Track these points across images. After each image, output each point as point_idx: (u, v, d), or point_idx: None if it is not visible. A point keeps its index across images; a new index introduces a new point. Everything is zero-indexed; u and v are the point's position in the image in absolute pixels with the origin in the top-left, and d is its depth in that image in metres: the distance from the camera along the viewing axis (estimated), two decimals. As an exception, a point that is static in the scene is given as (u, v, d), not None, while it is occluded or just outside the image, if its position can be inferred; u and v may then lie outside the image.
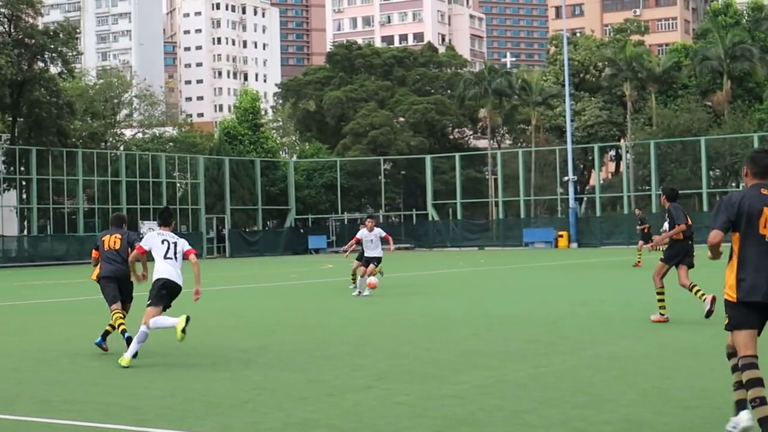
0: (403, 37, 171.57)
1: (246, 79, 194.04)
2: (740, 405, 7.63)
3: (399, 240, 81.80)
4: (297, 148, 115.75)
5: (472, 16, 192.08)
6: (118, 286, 14.78)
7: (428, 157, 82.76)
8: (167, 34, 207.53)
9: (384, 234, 26.08)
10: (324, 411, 9.30)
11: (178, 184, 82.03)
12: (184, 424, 8.73)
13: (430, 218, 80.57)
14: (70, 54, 76.70)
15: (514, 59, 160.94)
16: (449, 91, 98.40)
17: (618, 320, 17.32)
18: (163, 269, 13.46)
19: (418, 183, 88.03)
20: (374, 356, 13.12)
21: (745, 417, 7.54)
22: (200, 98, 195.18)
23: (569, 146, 73.75)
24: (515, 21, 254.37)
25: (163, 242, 13.68)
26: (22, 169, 71.39)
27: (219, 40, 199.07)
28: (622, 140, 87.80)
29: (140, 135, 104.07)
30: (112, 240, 15.18)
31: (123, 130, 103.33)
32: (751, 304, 7.52)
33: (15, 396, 10.46)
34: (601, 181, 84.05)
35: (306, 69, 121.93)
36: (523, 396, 9.90)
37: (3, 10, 72.54)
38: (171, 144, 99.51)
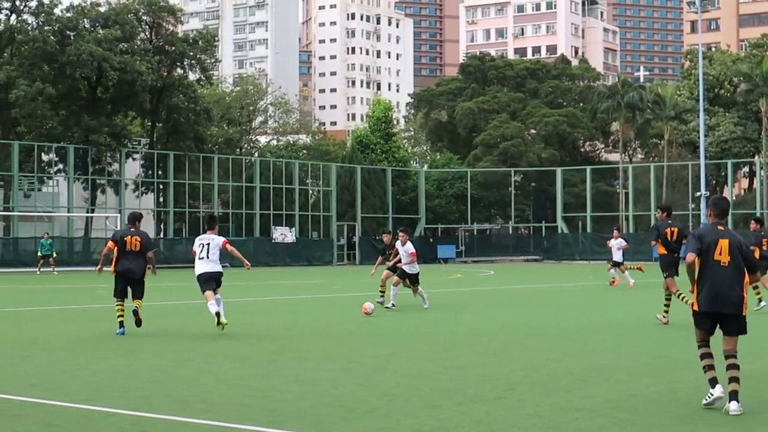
0: (536, 50, 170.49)
1: (379, 88, 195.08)
2: (712, 382, 9.84)
3: (527, 252, 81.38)
4: (428, 157, 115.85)
5: (606, 30, 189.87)
6: (129, 285, 17.96)
7: (559, 170, 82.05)
8: (303, 43, 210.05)
9: (412, 251, 23.75)
10: (456, 419, 9.26)
11: (311, 191, 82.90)
12: (317, 427, 8.78)
13: (559, 231, 79.82)
14: (209, 61, 78.20)
15: (647, 73, 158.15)
16: (581, 104, 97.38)
17: (754, 337, 16.84)
18: (198, 267, 18.22)
19: (548, 195, 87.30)
20: (505, 367, 13.03)
21: (719, 390, 9.76)
22: (333, 107, 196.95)
23: (702, 161, 72.19)
24: (649, 35, 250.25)
25: (199, 245, 18.33)
26: (160, 173, 73.02)
27: (353, 49, 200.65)
28: (756, 156, 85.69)
29: (274, 142, 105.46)
30: (133, 242, 18.02)
31: (258, 137, 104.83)
32: (707, 312, 9.91)
33: (152, 395, 10.67)
34: (734, 198, 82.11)
35: (439, 80, 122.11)
36: (655, 411, 9.72)
37: (145, 18, 74.41)
38: (304, 151, 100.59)
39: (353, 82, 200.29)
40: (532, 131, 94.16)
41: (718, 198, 10.58)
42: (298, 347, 15.58)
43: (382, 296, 24.42)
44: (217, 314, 17.21)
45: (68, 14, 69.14)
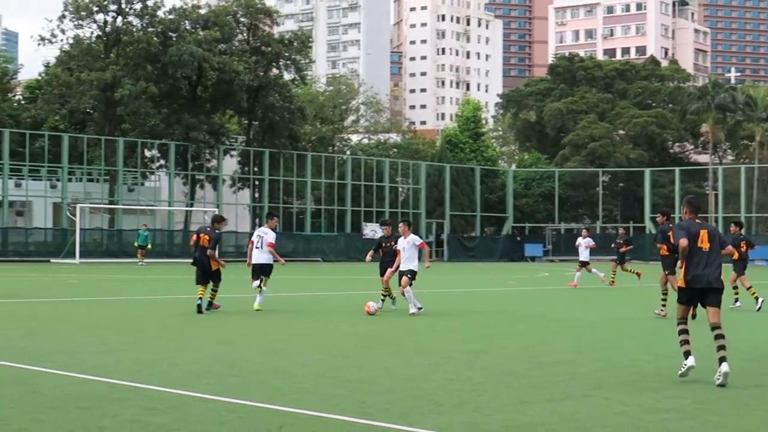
0: (626, 50, 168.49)
1: (468, 88, 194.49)
2: (686, 354, 11.62)
3: (615, 251, 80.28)
4: (516, 157, 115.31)
5: (696, 31, 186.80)
6: (202, 272, 20.63)
7: (647, 171, 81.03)
8: (394, 44, 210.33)
9: (419, 241, 21.11)
10: (544, 416, 9.18)
11: (400, 189, 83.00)
12: (406, 420, 8.78)
13: (647, 231, 78.82)
14: (303, 62, 78.77)
15: (739, 74, 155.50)
16: (671, 105, 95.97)
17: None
18: (254, 256, 21.44)
19: (636, 196, 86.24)
20: (593, 365, 12.89)
21: (691, 360, 11.54)
22: (423, 106, 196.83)
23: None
24: (741, 35, 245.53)
25: (257, 236, 21.56)
26: (256, 169, 73.73)
27: (443, 50, 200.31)
28: None
29: (366, 140, 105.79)
30: (204, 238, 20.79)
31: (350, 135, 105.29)
32: (693, 290, 11.74)
33: (249, 383, 10.78)
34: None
35: (528, 80, 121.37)
36: (744, 414, 9.54)
37: (243, 20, 75.19)
38: (394, 150, 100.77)
39: (443, 83, 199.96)
40: (621, 132, 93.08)
41: (692, 197, 12.82)
42: (388, 342, 15.61)
43: (383, 299, 21.73)
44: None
45: (170, 16, 70.16)
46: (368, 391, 10.39)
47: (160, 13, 69.62)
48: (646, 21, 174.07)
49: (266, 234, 21.49)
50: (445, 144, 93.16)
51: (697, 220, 12.05)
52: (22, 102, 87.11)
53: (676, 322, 11.99)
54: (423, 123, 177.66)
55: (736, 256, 21.82)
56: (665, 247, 20.13)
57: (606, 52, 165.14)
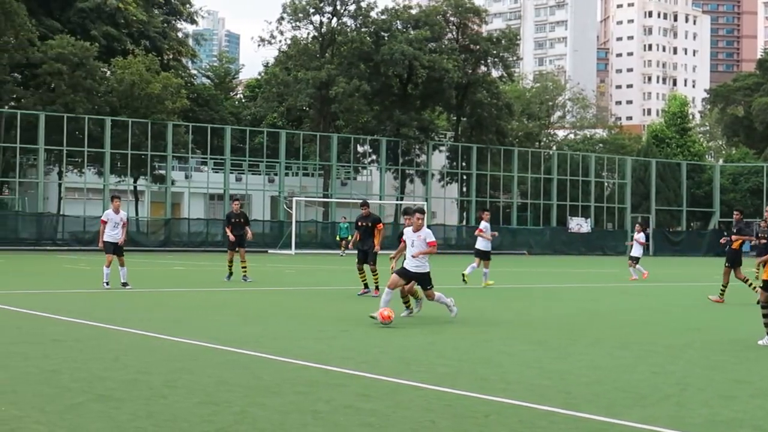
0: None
1: (675, 84, 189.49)
2: None
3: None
4: (723, 152, 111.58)
5: None
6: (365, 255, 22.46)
7: None
8: (600, 41, 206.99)
9: (431, 239, 16.10)
10: (749, 411, 8.86)
11: (606, 183, 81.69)
12: (611, 412, 8.64)
13: None
14: (511, 59, 78.52)
15: None
16: None
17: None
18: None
19: None
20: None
21: None
22: (629, 102, 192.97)
23: None
24: None
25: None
26: (464, 164, 73.98)
27: (650, 46, 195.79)
28: None
29: (571, 136, 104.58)
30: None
31: (556, 131, 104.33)
32: None
33: (456, 372, 10.83)
34: None
35: (735, 75, 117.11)
36: None
37: (452, 19, 75.50)
38: (600, 145, 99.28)
39: (649, 78, 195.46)
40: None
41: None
42: (592, 334, 15.40)
43: (408, 309, 17.48)
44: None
45: (383, 17, 71.17)
46: (572, 382, 10.28)
47: (373, 14, 70.75)
48: None
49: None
50: (651, 139, 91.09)
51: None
52: (243, 100, 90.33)
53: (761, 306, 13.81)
54: (629, 119, 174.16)
55: (736, 245, 22.67)
56: (739, 242, 22.45)
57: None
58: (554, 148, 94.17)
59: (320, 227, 66.07)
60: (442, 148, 76.51)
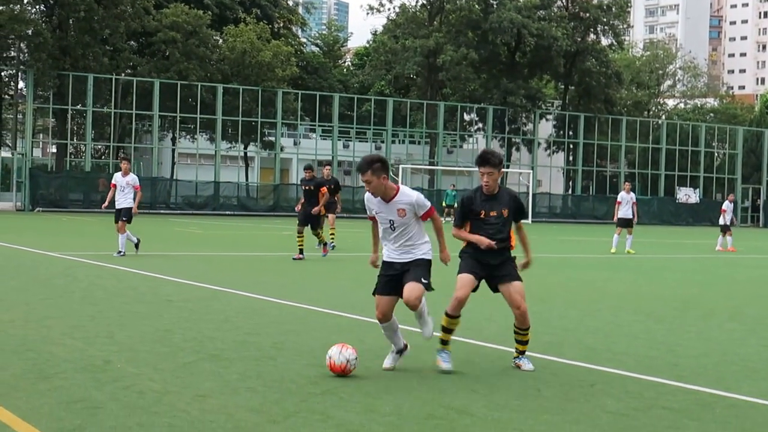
0: None
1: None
2: None
3: None
4: None
5: None
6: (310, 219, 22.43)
7: None
8: (713, 9, 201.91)
9: (427, 207, 8.95)
10: None
11: (716, 154, 79.96)
12: (720, 385, 8.46)
13: None
14: (621, 27, 77.21)
15: None
16: None
17: None
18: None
19: None
20: None
21: None
22: (742, 71, 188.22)
23: None
24: None
25: None
26: (570, 133, 73.15)
27: (765, 14, 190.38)
28: None
29: (681, 105, 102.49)
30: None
31: (665, 100, 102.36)
32: None
33: (562, 341, 10.73)
34: None
35: None
36: None
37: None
38: (711, 115, 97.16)
39: (764, 47, 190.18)
40: None
41: None
42: (702, 306, 15.11)
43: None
44: None
45: (492, -16, 70.49)
46: (681, 354, 10.09)
47: (481, -18, 70.12)
48: None
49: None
50: (764, 109, 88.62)
51: None
52: (351, 68, 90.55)
53: None
54: (741, 88, 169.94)
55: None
56: None
57: None
58: (663, 117, 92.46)
59: (426, 194, 65.96)
60: (549, 116, 75.75)
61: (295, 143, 68.79)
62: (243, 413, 6.73)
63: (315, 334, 10.46)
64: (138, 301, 13.19)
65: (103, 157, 66.22)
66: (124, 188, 21.34)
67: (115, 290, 14.38)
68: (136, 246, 21.61)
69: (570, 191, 73.10)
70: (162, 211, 55.24)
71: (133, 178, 21.52)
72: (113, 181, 21.55)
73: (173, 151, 65.40)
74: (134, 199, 21.49)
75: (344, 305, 13.19)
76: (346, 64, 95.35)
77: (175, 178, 61.58)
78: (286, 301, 13.44)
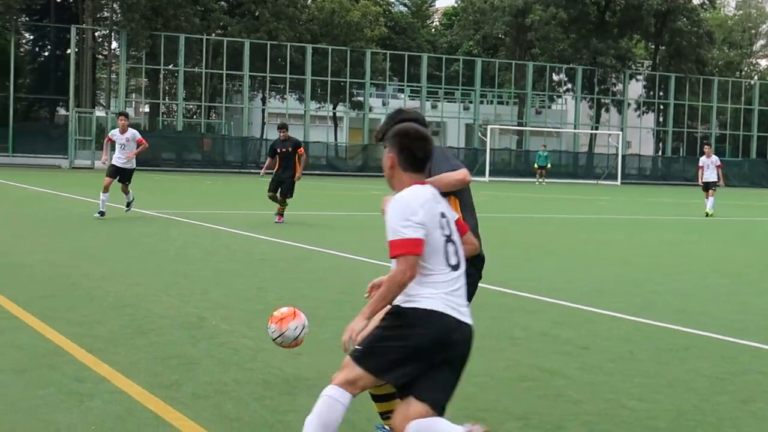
0: None
1: None
2: None
3: None
4: None
5: None
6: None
7: None
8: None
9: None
10: None
11: (810, 115, 77.95)
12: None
13: None
14: (714, -15, 75.45)
15: None
16: None
17: None
18: None
19: None
20: None
21: None
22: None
23: None
24: None
25: None
26: (661, 94, 71.94)
27: None
28: None
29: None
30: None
31: (758, 60, 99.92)
32: None
33: (651, 303, 10.60)
34: None
35: None
36: None
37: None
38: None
39: None
40: None
41: None
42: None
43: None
44: None
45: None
46: (773, 317, 9.94)
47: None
48: None
49: None
50: None
51: None
52: (440, 28, 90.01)
53: None
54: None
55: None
56: None
57: None
58: (756, 78, 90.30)
59: (513, 155, 65.65)
60: (639, 77, 74.50)
61: (383, 104, 68.82)
62: (336, 372, 6.78)
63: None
64: (232, 259, 13.37)
65: (194, 116, 67.05)
66: (125, 145, 19.91)
67: (210, 249, 14.58)
68: (128, 205, 20.20)
69: (660, 153, 72.01)
70: (252, 171, 55.76)
71: (133, 133, 20.14)
72: (110, 136, 20.15)
73: (263, 111, 65.90)
74: (134, 154, 20.06)
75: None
76: (435, 24, 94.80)
77: (264, 137, 62.09)
78: (379, 261, 13.50)
